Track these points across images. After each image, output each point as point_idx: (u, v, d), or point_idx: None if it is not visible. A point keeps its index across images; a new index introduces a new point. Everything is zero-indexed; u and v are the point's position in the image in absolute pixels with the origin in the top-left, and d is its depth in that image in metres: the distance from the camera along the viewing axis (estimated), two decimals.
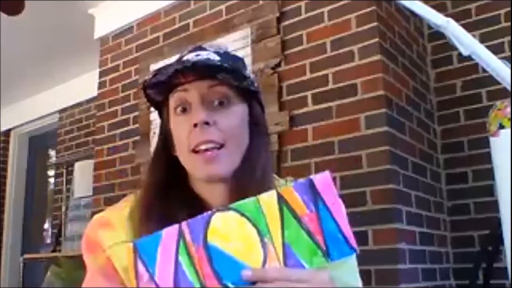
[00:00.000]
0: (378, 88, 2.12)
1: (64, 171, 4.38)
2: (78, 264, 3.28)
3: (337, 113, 2.20)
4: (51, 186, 4.88)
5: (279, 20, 2.46)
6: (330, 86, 2.25)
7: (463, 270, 2.33)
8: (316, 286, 0.61)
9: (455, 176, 2.48)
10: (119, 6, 3.25)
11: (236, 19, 2.62)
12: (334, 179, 2.36)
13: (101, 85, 3.32)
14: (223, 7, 2.71)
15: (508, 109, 1.60)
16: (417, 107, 2.42)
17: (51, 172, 4.93)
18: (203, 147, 0.77)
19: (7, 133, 5.09)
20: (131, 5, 3.18)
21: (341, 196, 0.64)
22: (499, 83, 1.19)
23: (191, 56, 0.82)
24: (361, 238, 2.01)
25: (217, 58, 0.82)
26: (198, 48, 0.85)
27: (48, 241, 4.68)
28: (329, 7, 2.32)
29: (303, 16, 2.40)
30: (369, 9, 2.20)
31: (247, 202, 0.63)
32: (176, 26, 2.93)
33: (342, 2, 2.29)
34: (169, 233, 0.62)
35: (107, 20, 3.33)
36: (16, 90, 4.57)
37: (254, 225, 0.62)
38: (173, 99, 0.82)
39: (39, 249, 4.61)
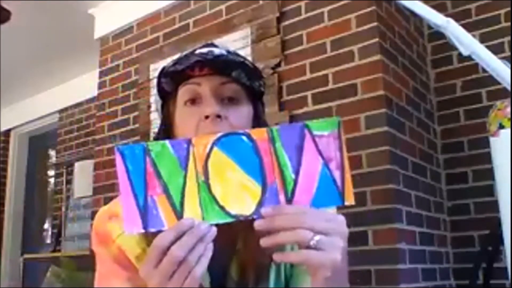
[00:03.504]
0: (378, 88, 2.12)
1: (64, 171, 4.38)
2: (78, 264, 3.30)
3: (337, 113, 2.20)
4: (51, 186, 4.88)
5: (279, 20, 2.46)
6: (330, 86, 2.25)
7: (463, 270, 2.33)
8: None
9: (455, 176, 2.48)
10: (119, 6, 3.25)
11: (236, 19, 2.62)
12: None
13: (101, 85, 3.32)
14: (223, 7, 2.71)
15: (508, 109, 1.60)
16: (417, 107, 2.41)
17: (51, 172, 4.93)
18: None
19: (7, 133, 5.08)
20: (131, 5, 3.18)
21: None
22: (499, 83, 1.19)
23: (206, 50, 0.82)
24: (361, 238, 2.01)
25: (232, 56, 0.82)
26: (210, 45, 0.86)
27: (48, 241, 4.68)
28: (329, 7, 2.32)
29: (303, 16, 2.40)
30: (369, 9, 2.20)
31: None
32: (176, 26, 2.93)
33: (342, 2, 2.29)
34: None
35: (107, 20, 3.33)
36: (16, 90, 4.57)
37: None
38: (184, 91, 0.83)
39: (39, 249, 4.61)
